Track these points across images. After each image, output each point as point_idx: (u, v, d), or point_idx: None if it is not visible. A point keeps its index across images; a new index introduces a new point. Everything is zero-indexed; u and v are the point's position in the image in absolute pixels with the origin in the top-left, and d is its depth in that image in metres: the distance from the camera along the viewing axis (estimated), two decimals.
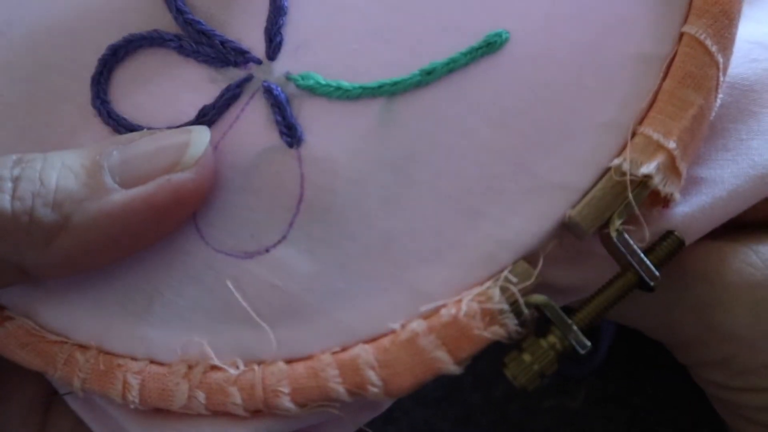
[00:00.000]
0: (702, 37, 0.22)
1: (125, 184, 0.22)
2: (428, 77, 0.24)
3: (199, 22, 0.25)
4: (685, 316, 0.24)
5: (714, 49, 0.22)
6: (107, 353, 0.24)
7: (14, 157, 0.23)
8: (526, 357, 0.22)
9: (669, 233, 0.23)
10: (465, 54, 0.24)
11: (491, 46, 0.24)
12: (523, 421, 0.30)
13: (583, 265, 0.24)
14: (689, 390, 0.28)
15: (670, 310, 0.24)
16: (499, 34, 0.24)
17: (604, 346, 0.31)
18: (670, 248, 0.23)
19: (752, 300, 0.22)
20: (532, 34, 0.23)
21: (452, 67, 0.24)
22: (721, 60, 0.22)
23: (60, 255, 0.22)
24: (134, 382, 0.23)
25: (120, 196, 0.22)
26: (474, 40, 0.24)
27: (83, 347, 0.24)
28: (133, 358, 0.24)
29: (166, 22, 0.25)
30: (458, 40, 0.24)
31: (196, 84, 0.25)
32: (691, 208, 0.24)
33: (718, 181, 0.24)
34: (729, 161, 0.24)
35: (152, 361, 0.24)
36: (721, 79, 0.23)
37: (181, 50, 0.25)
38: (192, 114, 0.25)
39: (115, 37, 0.25)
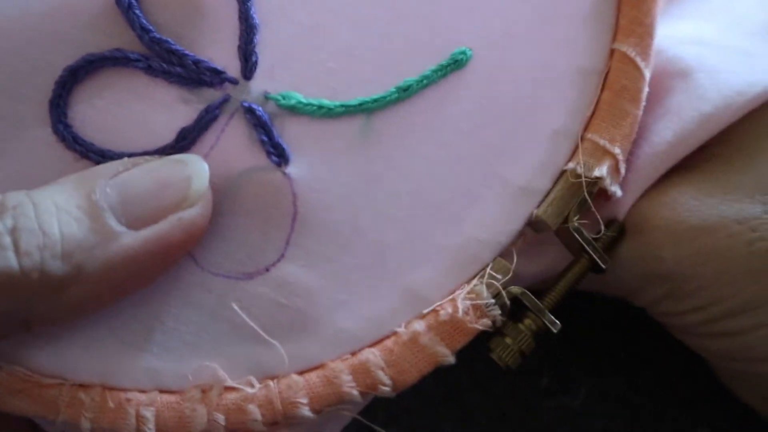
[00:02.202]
0: (632, 55, 0.26)
1: (133, 225, 0.22)
2: (404, 94, 0.25)
3: (167, 41, 0.24)
4: (626, 270, 0.28)
5: (642, 65, 0.26)
6: (112, 389, 0.23)
7: None
8: (508, 340, 0.26)
9: (612, 221, 0.27)
10: (435, 71, 0.26)
11: (458, 63, 0.26)
12: (523, 420, 0.30)
13: (539, 256, 0.27)
14: (689, 389, 0.30)
15: (613, 268, 0.28)
16: (463, 52, 0.26)
17: None
18: (614, 234, 0.27)
19: (673, 242, 0.26)
20: (492, 51, 0.26)
21: (425, 83, 0.26)
22: (647, 74, 0.27)
23: (71, 305, 0.21)
24: (148, 414, 0.23)
25: (131, 239, 0.21)
26: (441, 57, 0.26)
27: (85, 386, 0.23)
28: (141, 391, 0.24)
29: (127, 41, 0.24)
30: (427, 57, 0.26)
31: (167, 105, 0.24)
32: None
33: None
34: (635, 147, 0.28)
35: (162, 391, 0.24)
36: (647, 90, 0.27)
37: (149, 70, 0.24)
38: (166, 136, 0.25)
39: (70, 56, 0.24)
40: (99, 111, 0.24)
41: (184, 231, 0.22)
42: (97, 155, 0.24)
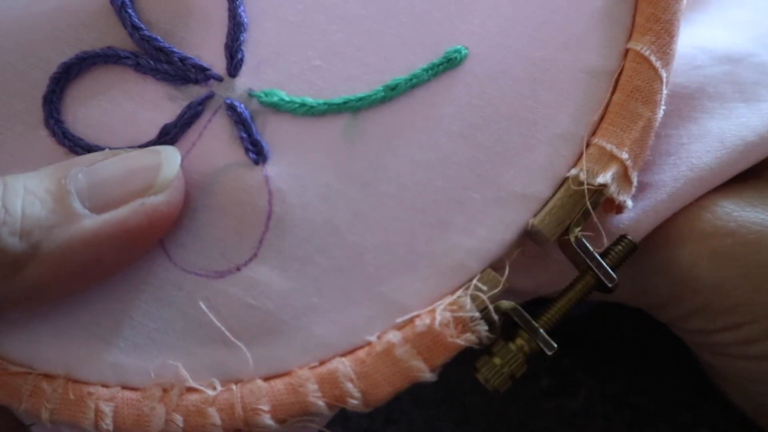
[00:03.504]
0: (647, 54, 0.24)
1: (96, 209, 0.22)
2: (392, 93, 0.24)
3: (156, 39, 0.25)
4: (656, 280, 0.25)
5: (658, 64, 0.24)
6: (76, 381, 0.23)
7: None
8: (497, 360, 0.24)
9: (622, 237, 0.25)
10: (426, 70, 0.24)
11: (451, 62, 0.24)
12: (522, 421, 0.30)
13: (540, 270, 0.25)
14: (689, 390, 0.29)
15: (641, 277, 0.25)
16: (458, 50, 0.24)
17: None
18: (624, 251, 0.25)
19: (710, 251, 0.24)
20: (489, 50, 0.24)
21: (415, 82, 0.24)
22: (664, 75, 0.24)
23: (28, 285, 0.21)
24: (107, 409, 0.23)
25: (91, 222, 0.21)
26: (434, 56, 0.24)
27: (50, 377, 0.23)
28: (104, 385, 0.23)
29: (120, 39, 0.25)
30: (419, 55, 0.24)
31: (155, 102, 0.25)
32: (636, 212, 0.25)
33: (660, 185, 0.25)
34: (670, 165, 0.26)
35: (124, 387, 0.23)
36: (665, 92, 0.24)
37: (138, 67, 0.25)
38: (152, 132, 0.25)
39: (66, 54, 0.25)
40: (90, 107, 0.25)
41: (146, 217, 0.21)
42: (84, 150, 0.24)
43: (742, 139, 0.25)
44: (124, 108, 0.25)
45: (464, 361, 0.23)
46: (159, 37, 0.24)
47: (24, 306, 0.22)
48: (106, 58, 0.25)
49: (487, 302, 0.23)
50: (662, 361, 0.30)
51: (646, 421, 0.30)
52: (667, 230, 0.25)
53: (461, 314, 0.23)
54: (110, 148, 0.24)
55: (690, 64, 0.25)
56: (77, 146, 0.25)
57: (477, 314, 0.23)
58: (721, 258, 0.24)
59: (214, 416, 0.23)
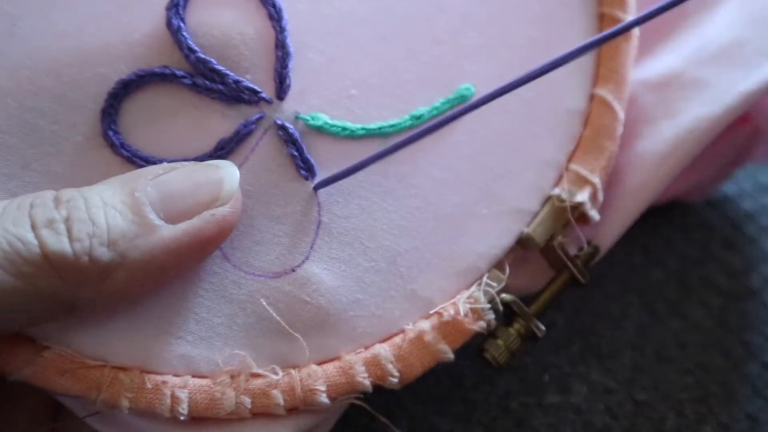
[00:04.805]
0: (610, 99, 0.31)
1: (170, 220, 0.24)
2: (417, 121, 0.29)
3: (211, 61, 0.27)
4: None
5: (618, 108, 0.31)
6: (150, 372, 0.26)
7: (50, 195, 0.24)
8: (500, 342, 0.29)
9: (588, 242, 0.32)
10: (444, 103, 0.29)
11: (463, 97, 0.30)
12: (524, 416, 0.31)
13: (523, 272, 0.31)
14: (692, 386, 0.31)
15: None
16: (468, 88, 0.30)
17: None
18: (590, 254, 0.31)
19: None
20: (491, 89, 0.30)
21: (435, 113, 0.29)
22: (622, 116, 0.31)
23: (114, 290, 0.23)
24: (183, 396, 0.26)
25: (169, 231, 0.24)
26: (448, 91, 0.30)
27: (125, 369, 0.26)
28: (176, 375, 0.26)
29: (175, 59, 0.27)
30: (436, 90, 0.29)
31: (208, 119, 0.27)
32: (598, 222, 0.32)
33: (607, 203, 0.32)
34: (614, 184, 0.32)
35: (194, 375, 0.26)
36: (621, 129, 0.31)
37: (194, 87, 0.27)
38: (205, 147, 0.27)
39: (122, 71, 0.27)
40: (146, 121, 0.27)
41: (216, 226, 0.24)
42: (141, 161, 0.27)
43: (655, 154, 0.31)
44: (178, 122, 0.27)
45: (465, 357, 0.28)
46: (213, 60, 0.27)
47: (105, 308, 0.24)
48: (163, 76, 0.27)
49: (495, 296, 0.29)
50: (667, 358, 0.31)
51: (648, 416, 0.30)
52: None
53: (476, 306, 0.28)
54: (167, 161, 0.27)
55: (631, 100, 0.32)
56: (135, 157, 0.27)
57: (488, 305, 0.29)
58: None
59: (278, 397, 0.26)
